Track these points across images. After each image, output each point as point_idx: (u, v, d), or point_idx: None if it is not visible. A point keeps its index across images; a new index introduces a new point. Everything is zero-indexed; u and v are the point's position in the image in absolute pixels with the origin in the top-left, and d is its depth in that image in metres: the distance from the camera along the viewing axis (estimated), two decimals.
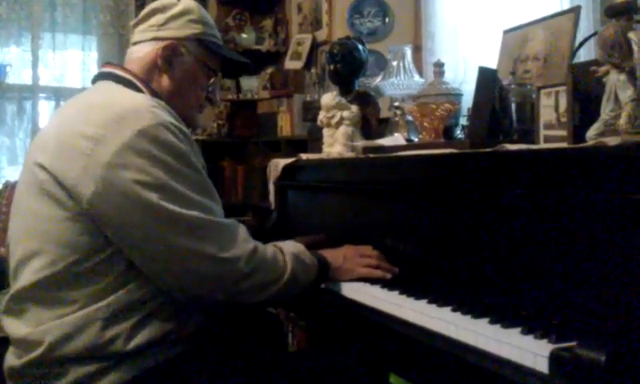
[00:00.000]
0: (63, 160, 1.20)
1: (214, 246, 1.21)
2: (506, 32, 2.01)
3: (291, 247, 1.38)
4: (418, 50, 3.00)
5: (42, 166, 1.22)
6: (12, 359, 1.25)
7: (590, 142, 1.17)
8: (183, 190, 1.19)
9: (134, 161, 1.16)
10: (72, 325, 1.18)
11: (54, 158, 1.21)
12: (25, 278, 1.23)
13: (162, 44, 1.39)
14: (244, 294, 1.26)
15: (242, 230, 1.29)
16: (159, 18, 1.41)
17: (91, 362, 1.18)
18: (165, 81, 1.39)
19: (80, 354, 1.18)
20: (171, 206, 1.17)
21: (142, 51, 1.40)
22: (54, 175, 1.20)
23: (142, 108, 1.21)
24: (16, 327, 1.24)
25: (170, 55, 1.39)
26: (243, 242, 1.26)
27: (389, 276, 1.44)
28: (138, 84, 1.36)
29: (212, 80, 1.49)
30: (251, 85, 4.43)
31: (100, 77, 1.40)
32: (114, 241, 1.19)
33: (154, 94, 1.36)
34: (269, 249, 1.33)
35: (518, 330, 1.01)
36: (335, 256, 1.47)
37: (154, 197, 1.16)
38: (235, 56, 1.61)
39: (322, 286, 1.45)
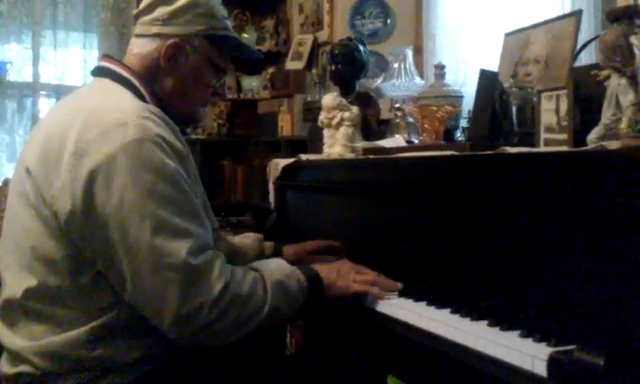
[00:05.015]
0: (46, 170, 1.16)
1: (176, 295, 1.10)
2: (507, 35, 2.01)
3: (277, 273, 1.25)
4: (418, 51, 3.01)
5: (28, 172, 1.19)
6: (5, 366, 1.23)
7: (591, 146, 1.17)
8: (160, 213, 1.11)
9: (110, 180, 1.10)
10: (60, 345, 1.16)
11: (38, 166, 1.18)
12: (14, 289, 1.20)
13: (166, 42, 1.30)
14: (214, 337, 1.17)
15: (216, 267, 1.15)
16: (163, 11, 1.31)
17: (87, 372, 1.17)
18: (167, 81, 1.32)
19: (72, 368, 1.17)
20: (142, 232, 1.09)
21: (144, 48, 1.32)
22: (37, 186, 1.17)
23: (129, 120, 1.13)
24: (8, 338, 1.22)
25: (174, 55, 1.31)
26: (214, 282, 1.13)
27: (385, 296, 1.30)
28: (137, 84, 1.29)
29: (221, 80, 1.43)
30: (252, 85, 4.44)
31: (98, 72, 1.34)
32: (93, 260, 1.15)
33: (154, 94, 1.31)
34: (247, 279, 1.20)
35: (517, 332, 1.01)
36: (328, 271, 1.33)
37: (125, 220, 1.10)
38: (246, 52, 1.53)
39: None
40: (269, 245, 1.66)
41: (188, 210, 1.16)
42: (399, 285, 1.33)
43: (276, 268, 1.27)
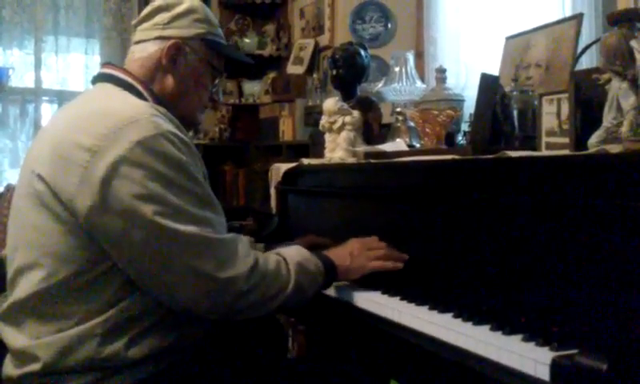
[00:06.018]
0: (60, 172, 1.17)
1: (211, 265, 1.16)
2: (508, 38, 2.01)
3: (295, 255, 1.33)
4: (419, 55, 3.01)
5: (39, 177, 1.20)
6: (10, 368, 1.23)
7: (592, 150, 1.17)
8: (181, 203, 1.15)
9: (130, 173, 1.12)
10: (69, 340, 1.16)
11: (51, 170, 1.18)
12: (22, 289, 1.21)
13: (166, 43, 1.35)
14: (244, 311, 1.23)
15: (243, 245, 1.24)
16: (163, 17, 1.37)
17: (91, 372, 1.17)
18: (168, 81, 1.36)
19: (78, 367, 1.16)
20: (167, 221, 1.13)
21: (145, 51, 1.36)
22: (52, 188, 1.17)
23: (141, 117, 1.17)
24: (13, 337, 1.22)
25: (174, 55, 1.36)
26: (243, 258, 1.21)
27: (400, 265, 1.42)
28: (139, 87, 1.32)
29: (216, 81, 1.47)
30: (253, 89, 4.44)
31: (100, 78, 1.37)
32: (110, 254, 1.17)
33: (156, 96, 1.34)
34: (271, 260, 1.28)
35: (520, 337, 1.01)
36: (342, 256, 1.41)
37: (149, 211, 1.12)
38: (239, 56, 1.61)
39: (330, 292, 1.43)
40: (259, 247, 1.68)
41: (205, 200, 1.21)
42: (405, 256, 1.44)
43: (295, 251, 1.35)
